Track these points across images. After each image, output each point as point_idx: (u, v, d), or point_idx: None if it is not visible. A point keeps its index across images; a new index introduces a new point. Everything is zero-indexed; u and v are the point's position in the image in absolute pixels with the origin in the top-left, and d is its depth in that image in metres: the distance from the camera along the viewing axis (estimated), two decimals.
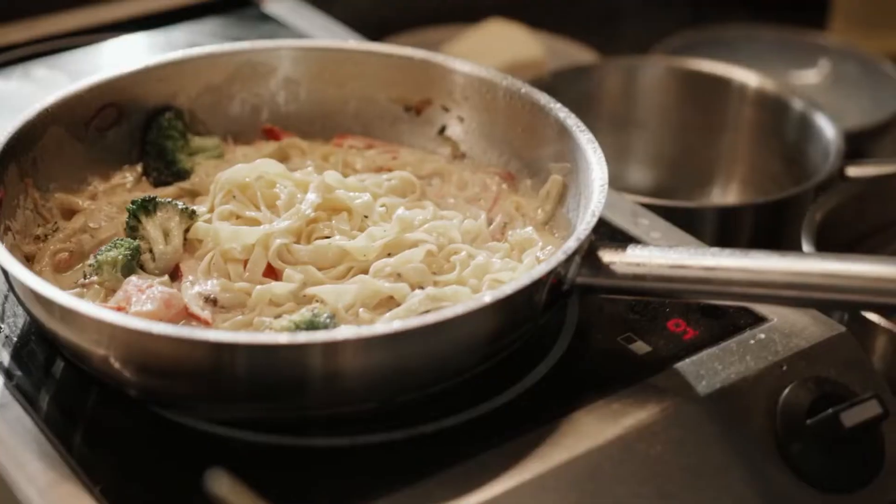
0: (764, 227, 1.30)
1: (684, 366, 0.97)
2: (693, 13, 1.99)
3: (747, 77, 1.44)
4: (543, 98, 1.12)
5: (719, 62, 1.51)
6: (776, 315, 1.02)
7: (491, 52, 1.66)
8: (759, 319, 1.02)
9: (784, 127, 1.41)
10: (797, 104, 1.40)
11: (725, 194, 1.46)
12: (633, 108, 1.49)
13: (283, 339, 0.86)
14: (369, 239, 1.03)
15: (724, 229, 1.29)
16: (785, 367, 0.98)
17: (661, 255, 0.95)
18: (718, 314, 1.02)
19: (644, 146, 1.50)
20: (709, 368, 0.97)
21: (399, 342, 0.87)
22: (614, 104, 1.49)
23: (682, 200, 1.43)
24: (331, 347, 0.86)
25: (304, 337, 0.86)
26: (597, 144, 1.05)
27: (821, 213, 1.21)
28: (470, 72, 1.18)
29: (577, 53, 1.75)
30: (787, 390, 0.96)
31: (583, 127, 1.08)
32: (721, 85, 1.45)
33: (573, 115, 1.09)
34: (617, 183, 1.48)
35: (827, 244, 1.17)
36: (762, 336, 1.00)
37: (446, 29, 1.79)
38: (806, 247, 1.17)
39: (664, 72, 1.48)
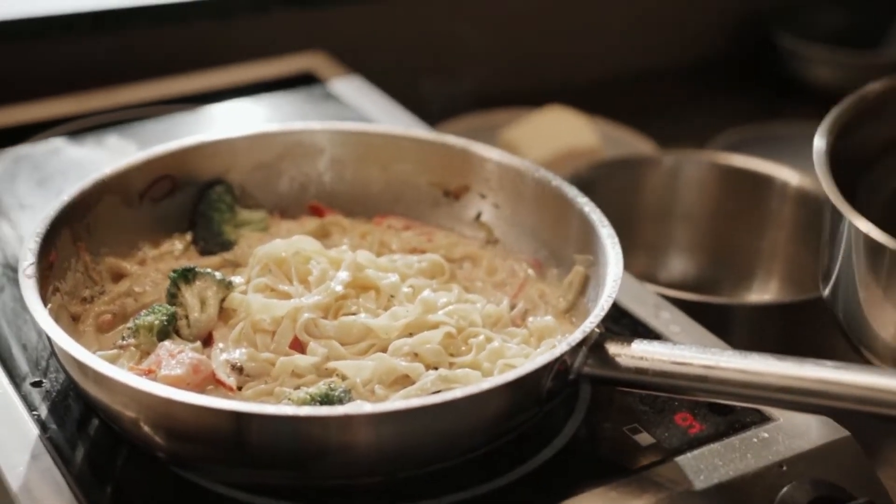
0: (795, 327, 1.32)
1: (685, 459, 1.00)
2: (758, 109, 2.02)
3: (789, 176, 1.47)
4: (571, 191, 1.16)
5: (774, 160, 1.53)
6: (783, 416, 1.04)
7: (548, 138, 1.71)
8: (765, 419, 1.04)
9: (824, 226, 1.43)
10: None
11: (765, 290, 1.48)
12: (676, 201, 1.52)
13: (296, 411, 0.91)
14: (392, 318, 1.07)
15: (753, 327, 1.31)
16: (785, 468, 1.00)
17: (663, 350, 0.98)
18: (726, 411, 1.05)
19: (686, 239, 1.52)
20: (709, 463, 1.00)
21: (402, 420, 0.92)
22: (658, 197, 1.52)
23: (718, 296, 1.45)
24: (336, 422, 0.91)
25: (315, 410, 0.91)
26: (616, 240, 1.09)
27: None
28: (504, 161, 1.23)
29: (633, 143, 1.78)
30: (784, 490, 0.98)
31: (605, 222, 1.12)
32: (764, 182, 1.48)
33: (597, 210, 1.13)
34: (656, 274, 1.52)
35: None
36: (765, 435, 1.02)
37: (508, 112, 1.85)
38: None
39: (709, 167, 1.51)
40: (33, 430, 1.01)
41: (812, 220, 1.44)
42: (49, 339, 1.02)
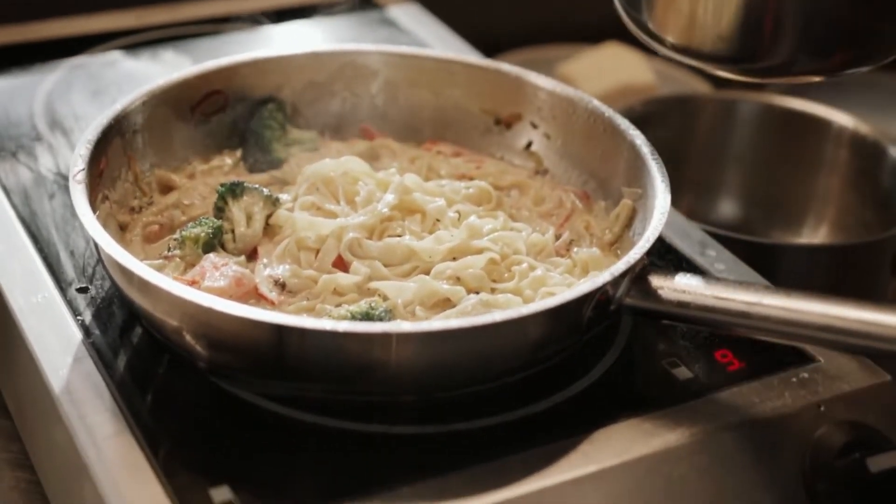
0: (843, 270, 1.30)
1: (722, 395, 1.00)
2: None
3: (845, 120, 1.45)
4: (623, 123, 1.15)
5: (831, 105, 1.51)
6: (824, 356, 1.04)
7: (604, 74, 1.70)
8: (805, 359, 1.03)
9: (880, 173, 1.41)
10: (894, 151, 1.40)
11: (814, 235, 1.47)
12: (728, 142, 1.50)
13: (337, 326, 0.92)
14: (436, 242, 1.07)
15: (800, 269, 1.30)
16: (822, 408, 0.99)
17: (706, 285, 0.97)
18: (766, 349, 1.04)
19: (737, 181, 1.51)
20: (746, 400, 0.99)
21: (440, 340, 0.92)
22: (710, 137, 1.50)
23: (764, 237, 1.44)
24: (374, 339, 0.92)
25: (355, 326, 0.92)
26: (665, 173, 1.08)
27: None
28: (557, 91, 1.22)
29: (689, 82, 1.76)
30: (820, 430, 0.98)
31: (656, 155, 1.11)
32: (818, 126, 1.46)
33: (648, 143, 1.12)
34: (706, 214, 1.50)
35: None
36: (805, 375, 1.02)
37: (564, 48, 1.83)
38: None
39: (762, 109, 1.49)
40: (77, 335, 1.02)
41: (867, 167, 1.43)
42: (96, 245, 1.03)
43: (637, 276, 0.99)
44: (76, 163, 1.05)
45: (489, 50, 1.69)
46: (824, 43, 0.96)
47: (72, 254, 1.12)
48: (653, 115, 1.46)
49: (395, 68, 1.28)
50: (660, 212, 1.03)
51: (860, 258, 1.29)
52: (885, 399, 1.01)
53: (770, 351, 1.04)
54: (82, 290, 1.08)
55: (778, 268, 1.28)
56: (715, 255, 1.17)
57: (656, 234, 1.00)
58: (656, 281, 0.99)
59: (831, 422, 0.98)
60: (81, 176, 1.04)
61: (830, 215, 1.46)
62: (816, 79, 1.01)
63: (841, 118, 1.44)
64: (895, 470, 0.94)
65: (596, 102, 1.19)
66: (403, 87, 1.28)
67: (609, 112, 1.18)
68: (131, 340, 1.04)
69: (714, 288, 0.97)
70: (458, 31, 1.62)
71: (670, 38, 1.02)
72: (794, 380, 1.01)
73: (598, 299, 0.97)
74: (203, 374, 1.00)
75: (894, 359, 0.90)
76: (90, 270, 1.10)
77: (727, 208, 1.51)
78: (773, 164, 1.48)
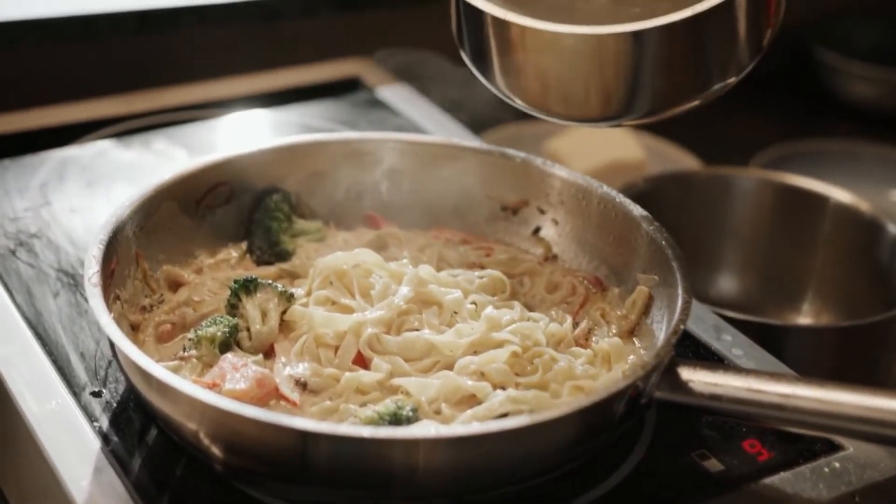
0: (850, 350, 1.31)
1: (756, 488, 0.99)
2: (796, 125, 2.01)
3: (842, 195, 1.46)
4: (636, 210, 1.15)
5: (815, 177, 1.53)
6: (852, 445, 1.03)
7: (591, 150, 1.70)
8: (834, 447, 1.03)
9: (878, 249, 1.42)
10: (892, 228, 1.41)
11: (814, 311, 1.47)
12: (726, 217, 1.51)
13: (366, 432, 0.90)
14: (457, 335, 1.06)
15: (807, 350, 1.30)
16: (857, 499, 0.99)
17: (738, 377, 0.97)
18: (794, 438, 1.04)
19: (735, 256, 1.51)
20: (780, 493, 0.98)
21: (476, 444, 0.91)
22: (708, 212, 1.51)
23: (767, 315, 1.44)
24: (409, 444, 0.90)
25: (384, 432, 0.90)
26: (685, 263, 1.07)
27: None
28: (567, 177, 1.21)
29: (677, 156, 1.77)
30: None
31: (672, 242, 1.10)
32: (816, 202, 1.47)
33: (664, 231, 1.12)
34: (703, 291, 1.50)
35: None
36: (836, 465, 1.01)
37: (550, 123, 1.82)
38: None
39: (760, 184, 1.50)
40: (94, 442, 1.00)
41: (866, 243, 1.44)
42: (114, 349, 1.01)
43: (666, 368, 0.99)
44: (90, 264, 1.03)
45: (475, 126, 1.69)
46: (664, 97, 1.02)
47: (82, 356, 1.10)
48: (651, 192, 1.46)
49: (400, 155, 1.27)
50: (682, 303, 1.03)
51: (867, 338, 1.29)
52: None
53: (798, 440, 1.04)
54: (96, 395, 1.05)
55: (784, 348, 1.28)
56: (731, 340, 1.16)
57: (682, 328, 1.00)
58: (686, 373, 0.98)
59: None
60: (97, 278, 1.01)
61: (830, 291, 1.47)
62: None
63: (838, 193, 1.46)
64: None
65: (607, 189, 1.19)
66: (408, 174, 1.27)
67: (621, 199, 1.17)
68: (149, 443, 1.01)
69: (746, 380, 0.96)
70: (444, 108, 1.62)
71: (519, 100, 1.07)
72: (826, 469, 1.01)
73: (630, 394, 0.96)
74: (223, 478, 0.97)
75: None
76: (102, 373, 1.08)
77: (726, 284, 1.52)
78: (771, 239, 1.49)
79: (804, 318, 1.48)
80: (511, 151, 1.25)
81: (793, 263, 1.48)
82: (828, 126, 2.00)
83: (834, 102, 2.06)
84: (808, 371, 1.14)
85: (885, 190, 1.75)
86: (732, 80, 1.03)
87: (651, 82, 1.01)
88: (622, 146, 1.71)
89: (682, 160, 1.76)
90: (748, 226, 1.49)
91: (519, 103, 1.09)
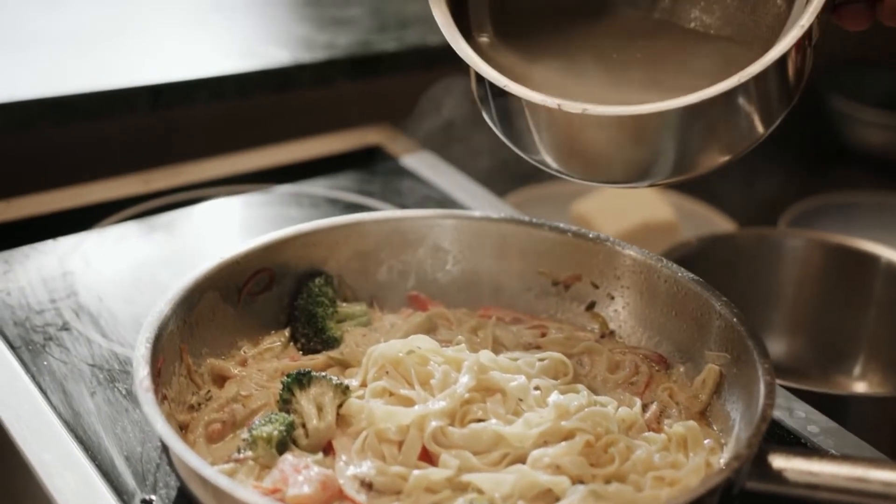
0: None
1: None
2: (815, 175, 1.98)
3: (892, 255, 1.42)
4: (704, 287, 1.11)
5: (849, 234, 1.49)
6: None
7: (621, 212, 1.66)
8: None
9: None
10: None
11: (867, 375, 1.43)
12: (770, 279, 1.47)
13: None
14: (526, 426, 1.01)
15: (869, 419, 1.26)
16: None
17: (836, 465, 0.92)
18: None
19: (782, 320, 1.47)
20: None
21: None
22: (753, 275, 1.47)
23: (818, 381, 1.40)
24: None
25: None
26: (761, 339, 1.03)
27: None
28: (623, 251, 1.17)
29: (706, 215, 1.73)
30: None
31: (744, 318, 1.06)
32: (866, 261, 1.43)
33: (734, 307, 1.07)
34: None
35: None
36: None
37: (576, 183, 1.79)
38: None
39: (804, 244, 1.46)
40: None
41: None
42: (168, 453, 0.95)
43: (756, 456, 0.94)
44: (139, 366, 0.97)
45: (500, 188, 1.65)
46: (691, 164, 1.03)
47: (127, 459, 1.04)
48: (695, 255, 1.42)
49: (444, 232, 1.22)
50: (766, 384, 0.98)
51: None
52: None
53: None
54: (147, 503, 0.99)
55: (845, 418, 1.23)
56: (805, 417, 1.12)
57: (771, 411, 0.95)
58: (778, 461, 0.93)
59: None
60: (148, 382, 0.96)
61: (882, 354, 1.42)
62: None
63: (889, 253, 1.42)
64: None
65: (666, 262, 1.14)
66: (453, 252, 1.22)
67: (683, 272, 1.13)
68: None
69: (845, 468, 0.91)
70: (468, 172, 1.58)
71: (555, 167, 1.07)
72: None
73: (723, 488, 0.91)
74: None
75: None
76: (151, 477, 1.02)
77: (773, 349, 1.47)
78: (820, 302, 1.45)
79: (856, 383, 1.43)
80: (562, 225, 1.21)
81: (843, 326, 1.44)
82: (847, 176, 1.97)
83: (850, 152, 2.04)
84: (871, 442, 1.09)
85: None
86: (764, 133, 1.03)
87: (693, 147, 1.01)
88: (651, 207, 1.67)
89: (712, 219, 1.72)
90: (796, 288, 1.45)
91: (553, 169, 1.07)
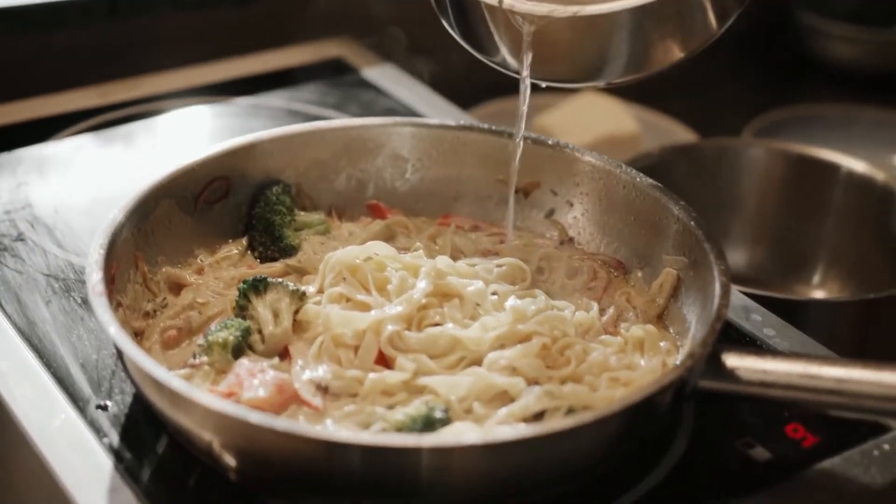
0: (871, 323, 1.27)
1: (806, 475, 0.95)
2: (781, 89, 1.97)
3: (854, 164, 1.42)
4: (661, 191, 1.10)
5: (814, 144, 1.49)
6: None
7: (585, 124, 1.65)
8: (881, 429, 0.99)
9: (890, 218, 1.38)
10: None
11: (826, 283, 1.44)
12: (731, 189, 1.47)
13: (403, 441, 0.85)
14: (483, 329, 1.01)
15: (827, 323, 1.26)
16: None
17: (789, 363, 0.92)
18: (838, 421, 0.99)
19: (744, 229, 1.47)
20: (832, 479, 0.94)
21: (522, 448, 0.85)
22: (716, 185, 1.47)
23: (779, 289, 1.40)
24: (451, 452, 0.85)
25: (429, 441, 0.85)
26: (718, 242, 1.03)
27: None
28: (582, 157, 1.16)
29: (670, 128, 1.73)
30: None
31: (702, 222, 1.06)
32: (826, 170, 1.43)
33: (692, 210, 1.07)
34: None
35: None
36: (886, 447, 0.97)
37: (541, 97, 1.78)
38: None
39: (766, 154, 1.46)
40: (106, 461, 0.94)
41: (877, 211, 1.40)
42: (123, 359, 0.95)
43: (710, 356, 0.94)
44: (92, 272, 0.96)
45: (463, 103, 1.64)
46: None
47: (83, 367, 1.03)
48: (657, 166, 1.41)
49: (403, 140, 1.21)
50: (722, 285, 0.98)
51: (890, 311, 1.25)
52: None
53: (842, 422, 0.99)
54: (102, 408, 0.99)
55: (804, 323, 1.24)
56: (761, 320, 1.12)
57: (725, 311, 0.95)
58: (731, 360, 0.94)
59: None
60: (101, 287, 0.95)
61: (840, 261, 1.43)
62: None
63: (850, 162, 1.42)
64: None
65: (625, 167, 1.14)
66: (412, 160, 1.22)
67: (641, 177, 1.13)
68: (161, 455, 0.95)
69: (797, 365, 0.92)
70: (434, 86, 1.56)
71: (525, 73, 1.08)
72: (876, 452, 0.97)
73: (676, 386, 0.91)
74: (239, 486, 0.92)
75: None
76: (107, 384, 1.01)
77: (735, 258, 1.47)
78: (780, 210, 1.45)
79: (815, 291, 1.44)
80: (522, 133, 1.19)
81: (802, 235, 1.45)
82: (812, 90, 1.97)
83: (815, 65, 2.03)
84: (829, 346, 1.10)
85: (885, 154, 1.72)
86: (718, 30, 1.04)
87: (647, 45, 1.03)
88: (615, 119, 1.66)
89: (675, 131, 1.71)
90: (757, 197, 1.45)
91: (513, 70, 1.09)
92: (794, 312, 1.24)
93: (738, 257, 1.48)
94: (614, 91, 1.76)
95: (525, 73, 1.07)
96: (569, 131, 1.63)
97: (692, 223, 1.06)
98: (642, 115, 1.74)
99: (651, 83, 1.88)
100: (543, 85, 1.09)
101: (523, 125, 1.12)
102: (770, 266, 1.47)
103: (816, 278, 1.44)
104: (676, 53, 1.04)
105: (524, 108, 1.10)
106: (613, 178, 1.14)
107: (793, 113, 1.78)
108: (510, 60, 1.07)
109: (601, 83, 1.08)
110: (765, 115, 1.74)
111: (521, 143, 1.13)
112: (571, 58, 1.04)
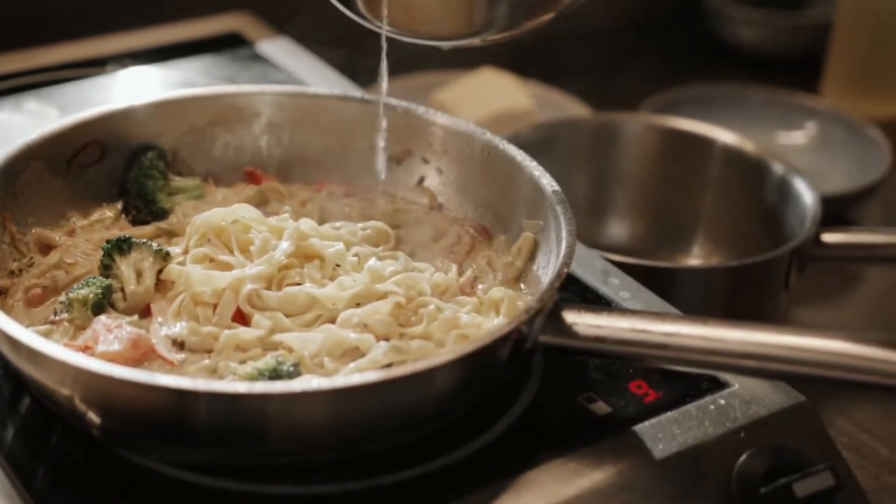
0: (739, 289, 1.31)
1: (643, 428, 0.98)
2: (685, 70, 2.01)
3: (727, 137, 1.46)
4: (519, 155, 1.14)
5: (703, 121, 1.53)
6: (738, 381, 1.03)
7: (480, 100, 1.68)
8: (720, 385, 1.03)
9: (764, 189, 1.42)
10: (777, 167, 1.41)
11: (704, 253, 1.48)
12: (615, 163, 1.50)
13: (241, 388, 0.87)
14: (339, 288, 1.04)
15: (698, 290, 1.30)
16: (743, 434, 0.98)
17: (622, 318, 0.96)
18: (681, 378, 1.03)
19: (624, 201, 1.51)
20: (667, 432, 0.98)
21: (356, 396, 0.88)
22: (596, 159, 1.50)
23: (659, 259, 1.44)
24: (288, 399, 0.87)
25: (261, 387, 0.87)
26: (567, 205, 1.06)
27: None
28: (449, 125, 1.19)
29: (567, 105, 1.76)
30: (743, 457, 0.97)
31: (556, 186, 1.09)
32: (703, 144, 1.47)
33: (547, 174, 1.10)
34: (595, 237, 1.50)
35: None
36: (722, 402, 1.01)
37: (438, 74, 1.81)
38: None
39: (647, 129, 1.50)
40: None
41: (753, 183, 1.44)
42: None
43: (549, 312, 0.97)
44: None
45: (364, 80, 1.66)
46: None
47: None
48: (540, 141, 1.45)
49: (280, 108, 1.24)
50: (566, 246, 1.01)
51: (756, 276, 1.29)
52: (802, 421, 1.01)
53: (684, 379, 1.03)
54: None
55: (675, 290, 1.28)
56: (618, 284, 1.15)
57: (565, 271, 0.98)
58: (570, 316, 0.97)
59: (753, 447, 0.97)
60: None
61: (719, 233, 1.47)
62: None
63: (724, 135, 1.46)
64: (822, 493, 0.94)
65: (489, 135, 1.17)
66: (288, 128, 1.24)
67: (504, 144, 1.16)
68: (20, 412, 0.98)
69: (630, 321, 0.95)
70: (329, 62, 1.58)
71: (382, 24, 1.09)
72: (712, 407, 1.01)
73: (514, 339, 0.94)
74: (101, 444, 0.94)
75: (814, 382, 0.90)
76: None
77: (617, 230, 1.51)
78: (658, 183, 1.49)
79: (695, 261, 1.48)
80: (392, 101, 1.22)
81: (682, 207, 1.48)
82: (716, 71, 2.00)
83: (721, 48, 2.07)
84: (700, 312, 1.13)
85: (772, 132, 1.76)
86: None
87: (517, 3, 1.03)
88: (510, 96, 1.69)
89: (572, 108, 1.75)
90: (637, 171, 1.49)
91: (383, 27, 1.09)
92: (665, 280, 1.29)
93: (621, 229, 1.52)
94: (514, 68, 1.79)
95: (384, 25, 1.08)
96: (463, 107, 1.66)
97: (545, 186, 1.09)
98: (539, 93, 1.78)
99: (553, 62, 1.94)
100: (407, 40, 1.11)
101: (385, 84, 1.14)
102: (652, 237, 1.50)
103: (696, 248, 1.48)
104: (546, 13, 1.05)
105: (384, 66, 1.12)
106: (478, 145, 1.17)
107: (689, 92, 1.81)
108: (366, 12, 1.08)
109: (472, 41, 1.08)
110: (660, 95, 1.78)
111: (383, 103, 1.16)
112: (433, 10, 1.05)
